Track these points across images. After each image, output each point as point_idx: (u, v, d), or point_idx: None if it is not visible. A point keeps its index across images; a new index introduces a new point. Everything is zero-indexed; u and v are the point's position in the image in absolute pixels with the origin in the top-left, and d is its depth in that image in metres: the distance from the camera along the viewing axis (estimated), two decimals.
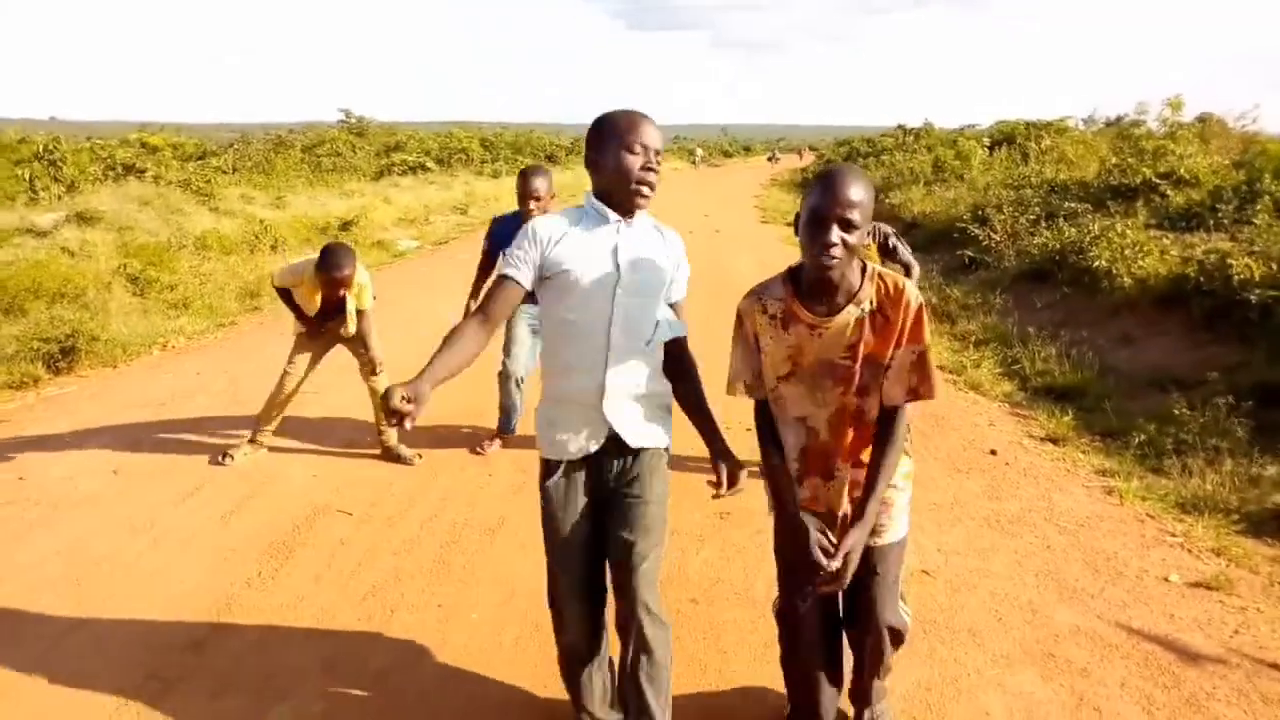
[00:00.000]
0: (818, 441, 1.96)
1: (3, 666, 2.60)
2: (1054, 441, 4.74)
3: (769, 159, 53.57)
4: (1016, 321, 7.17)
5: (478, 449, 4.46)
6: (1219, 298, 5.85)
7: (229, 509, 3.75)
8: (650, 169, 1.89)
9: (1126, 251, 7.20)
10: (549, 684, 2.54)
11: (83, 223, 9.20)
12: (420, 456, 4.34)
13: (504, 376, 4.40)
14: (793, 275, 1.93)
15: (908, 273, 3.75)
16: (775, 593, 2.22)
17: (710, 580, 3.18)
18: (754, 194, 24.98)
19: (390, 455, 4.35)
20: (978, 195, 11.89)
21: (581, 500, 2.01)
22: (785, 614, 2.14)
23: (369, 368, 4.35)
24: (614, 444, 1.97)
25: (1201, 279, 6.11)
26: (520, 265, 1.91)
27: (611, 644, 2.15)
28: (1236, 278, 5.75)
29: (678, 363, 2.06)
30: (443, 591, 3.09)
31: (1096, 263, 7.29)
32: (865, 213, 1.76)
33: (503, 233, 4.14)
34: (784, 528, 2.02)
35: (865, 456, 1.95)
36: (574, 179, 21.55)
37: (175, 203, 11.09)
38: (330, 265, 3.96)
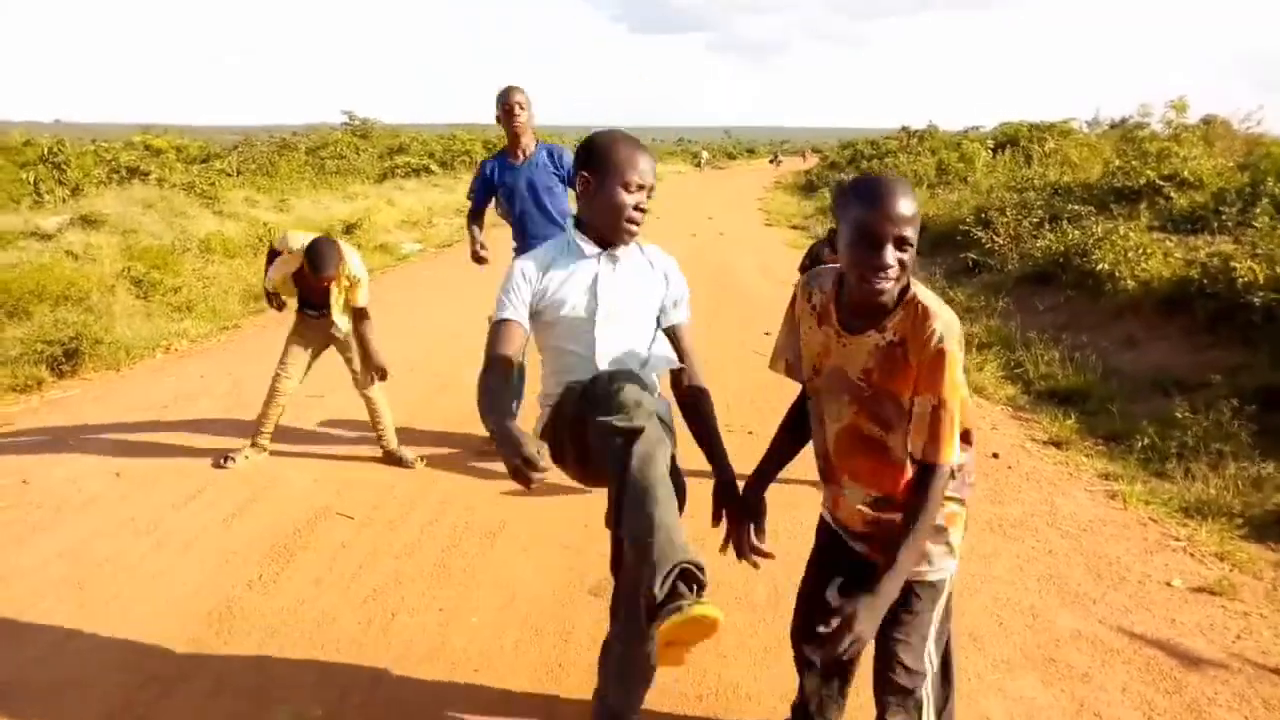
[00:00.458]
0: (828, 452, 1.85)
1: (5, 668, 2.61)
2: (1057, 445, 4.74)
3: (771, 161, 53.63)
4: (1019, 324, 7.15)
5: (480, 451, 4.46)
6: (1222, 300, 5.83)
7: (230, 512, 3.76)
8: (642, 209, 1.91)
9: (1130, 254, 7.18)
10: (549, 687, 2.54)
11: (87, 226, 9.24)
12: (421, 460, 4.35)
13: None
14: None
15: None
16: (777, 597, 2.21)
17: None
18: (758, 196, 24.99)
19: (391, 459, 4.35)
20: (981, 198, 11.88)
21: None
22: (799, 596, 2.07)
23: (364, 379, 4.29)
24: None
25: (1205, 282, 6.09)
26: (516, 306, 1.94)
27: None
28: (1240, 280, 5.73)
29: (686, 397, 2.03)
30: (443, 595, 3.10)
31: (1100, 265, 7.27)
32: (917, 228, 1.60)
33: (489, 168, 4.23)
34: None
35: (883, 489, 1.76)
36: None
37: (179, 205, 11.13)
38: (313, 265, 3.94)
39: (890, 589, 1.64)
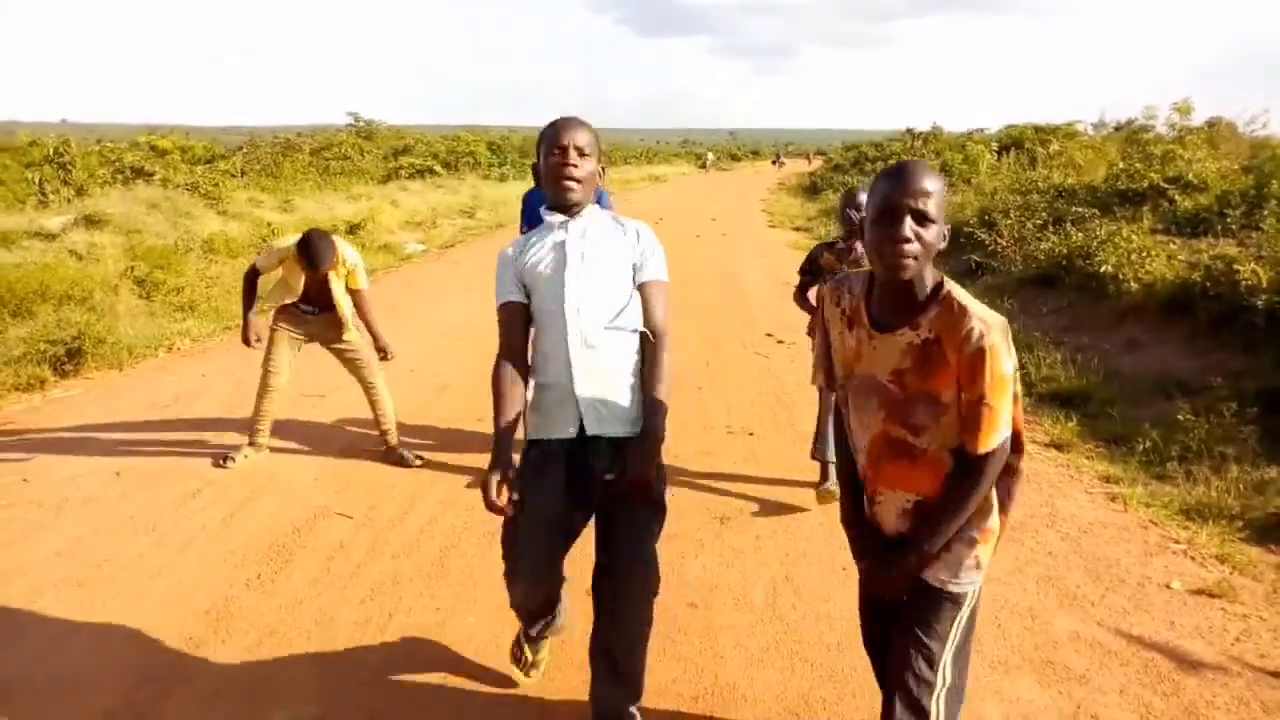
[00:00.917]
0: (863, 463, 1.80)
1: (5, 666, 2.62)
2: (1058, 447, 4.72)
3: (773, 163, 53.81)
4: (1022, 327, 7.13)
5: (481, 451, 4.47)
6: (1225, 303, 5.81)
7: (230, 511, 3.77)
8: (569, 164, 2.04)
9: (1133, 257, 7.16)
10: (546, 687, 2.54)
11: (91, 226, 9.28)
12: (420, 460, 4.35)
13: None
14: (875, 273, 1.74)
15: None
16: (775, 599, 2.21)
17: (708, 586, 3.17)
18: (761, 198, 25.00)
19: (392, 456, 4.36)
20: (985, 200, 11.85)
21: (558, 480, 2.13)
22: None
23: (369, 374, 4.32)
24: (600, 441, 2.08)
25: (1208, 284, 6.07)
26: (509, 287, 2.12)
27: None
28: (1243, 283, 5.71)
29: (646, 349, 2.14)
30: (441, 595, 3.10)
31: (1103, 268, 7.25)
32: (940, 207, 1.58)
33: (531, 200, 4.30)
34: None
35: (921, 491, 1.74)
36: None
37: (183, 206, 11.17)
38: (310, 261, 3.97)
39: (932, 545, 1.71)
